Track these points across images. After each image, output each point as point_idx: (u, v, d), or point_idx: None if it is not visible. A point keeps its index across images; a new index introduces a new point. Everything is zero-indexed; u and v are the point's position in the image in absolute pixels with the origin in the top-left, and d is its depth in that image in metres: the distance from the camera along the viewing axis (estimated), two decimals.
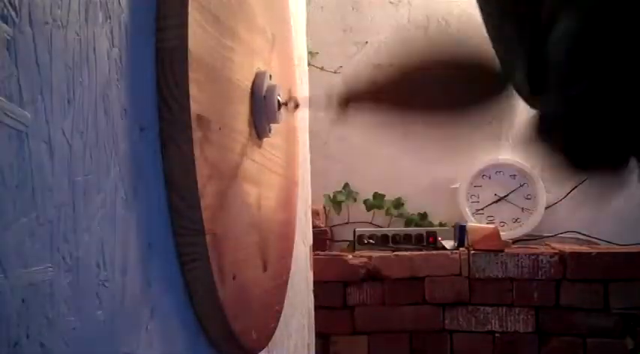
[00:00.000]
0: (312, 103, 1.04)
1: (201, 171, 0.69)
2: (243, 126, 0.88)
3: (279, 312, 1.09)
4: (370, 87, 0.87)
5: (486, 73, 0.77)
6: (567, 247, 2.18)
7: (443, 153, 2.44)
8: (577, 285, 2.08)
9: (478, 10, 0.70)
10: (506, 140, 2.42)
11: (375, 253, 2.18)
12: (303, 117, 1.54)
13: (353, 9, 2.53)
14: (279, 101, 0.95)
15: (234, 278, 0.80)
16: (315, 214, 2.16)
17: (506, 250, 2.14)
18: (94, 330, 0.53)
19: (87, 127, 0.52)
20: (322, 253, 2.19)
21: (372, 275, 2.15)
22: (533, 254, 2.11)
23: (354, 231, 2.30)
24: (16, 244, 0.42)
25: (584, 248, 2.20)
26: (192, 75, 0.67)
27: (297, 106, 0.99)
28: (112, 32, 0.57)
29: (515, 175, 2.37)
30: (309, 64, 1.79)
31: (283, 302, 1.11)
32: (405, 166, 2.43)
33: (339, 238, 2.43)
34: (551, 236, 2.35)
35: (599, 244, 2.30)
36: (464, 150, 2.43)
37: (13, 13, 0.43)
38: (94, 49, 0.54)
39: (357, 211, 2.44)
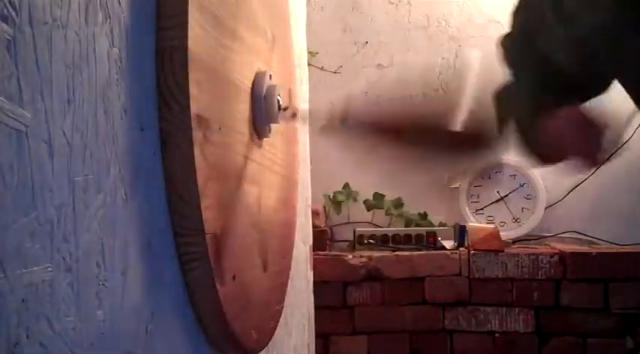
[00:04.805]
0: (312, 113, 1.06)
1: (201, 171, 0.69)
2: (243, 126, 0.88)
3: (279, 312, 1.09)
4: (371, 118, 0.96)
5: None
6: (567, 247, 2.18)
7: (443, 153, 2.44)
8: (577, 285, 2.08)
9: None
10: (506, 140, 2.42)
11: (375, 253, 2.18)
12: (302, 117, 1.54)
13: (353, 9, 2.53)
14: (279, 101, 0.95)
15: (234, 278, 0.80)
16: (315, 214, 2.16)
17: (506, 250, 2.14)
18: (94, 330, 0.53)
19: (87, 127, 0.52)
20: (322, 253, 2.19)
21: (372, 275, 2.15)
22: (533, 254, 2.11)
23: (354, 231, 2.30)
24: (16, 244, 0.42)
25: (584, 248, 2.20)
26: (192, 75, 0.67)
27: (294, 114, 1.01)
28: (112, 32, 0.57)
29: (515, 175, 2.37)
30: (309, 64, 1.79)
31: (283, 302, 1.11)
32: (405, 166, 2.43)
33: (339, 238, 2.43)
34: (551, 236, 2.35)
35: (599, 244, 2.30)
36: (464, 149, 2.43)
37: (13, 13, 0.43)
38: (94, 49, 0.54)
39: (357, 211, 2.44)
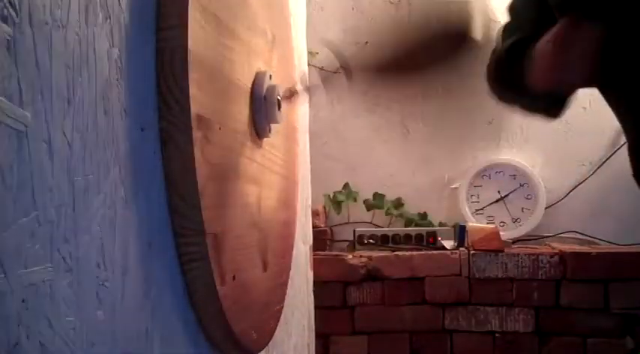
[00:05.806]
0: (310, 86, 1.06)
1: (201, 171, 0.69)
2: (243, 126, 0.88)
3: (279, 312, 1.09)
4: (366, 61, 0.98)
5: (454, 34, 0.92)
6: (567, 247, 2.18)
7: (443, 153, 2.44)
8: (577, 285, 2.08)
9: None
10: (506, 140, 2.42)
11: (375, 253, 2.18)
12: (303, 117, 1.54)
13: (353, 9, 2.53)
14: (279, 101, 0.95)
15: (234, 278, 0.80)
16: (315, 214, 2.16)
17: (506, 250, 2.14)
18: (94, 330, 0.53)
19: (87, 127, 0.52)
20: (322, 253, 2.19)
21: (372, 275, 2.15)
22: (533, 254, 2.11)
23: (354, 231, 2.30)
24: (16, 244, 0.43)
25: (584, 248, 2.19)
26: (192, 75, 0.67)
27: (294, 94, 1.01)
28: (112, 32, 0.57)
29: (515, 175, 2.37)
30: (309, 64, 1.79)
31: (283, 302, 1.11)
32: (405, 166, 2.43)
33: (339, 238, 2.43)
34: (551, 236, 2.35)
35: (599, 244, 2.30)
36: (464, 149, 2.43)
37: (13, 13, 0.43)
38: (94, 49, 0.54)
39: (357, 211, 2.44)
